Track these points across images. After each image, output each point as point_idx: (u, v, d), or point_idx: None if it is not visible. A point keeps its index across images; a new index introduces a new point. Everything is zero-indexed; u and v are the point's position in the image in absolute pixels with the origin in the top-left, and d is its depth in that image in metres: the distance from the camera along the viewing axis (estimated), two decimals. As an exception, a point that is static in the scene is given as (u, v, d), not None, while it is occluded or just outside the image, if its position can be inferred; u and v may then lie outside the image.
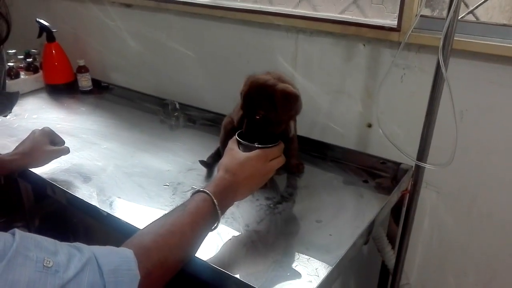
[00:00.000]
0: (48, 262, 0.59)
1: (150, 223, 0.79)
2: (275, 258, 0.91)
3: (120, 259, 0.67)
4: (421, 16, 1.08)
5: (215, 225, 0.86)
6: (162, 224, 0.78)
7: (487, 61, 1.07)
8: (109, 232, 1.84)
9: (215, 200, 0.84)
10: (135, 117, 1.66)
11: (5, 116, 1.48)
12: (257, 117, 1.02)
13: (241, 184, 0.91)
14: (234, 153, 0.96)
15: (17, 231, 0.61)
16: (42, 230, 1.71)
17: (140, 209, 1.08)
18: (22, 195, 1.59)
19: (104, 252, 0.67)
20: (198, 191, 0.86)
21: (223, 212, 0.87)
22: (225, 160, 0.95)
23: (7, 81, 1.65)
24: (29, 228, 1.77)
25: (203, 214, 0.82)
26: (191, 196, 0.86)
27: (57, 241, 0.65)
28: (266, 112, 1.01)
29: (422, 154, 1.07)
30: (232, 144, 1.00)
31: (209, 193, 0.84)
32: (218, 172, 0.93)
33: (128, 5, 1.74)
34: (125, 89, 1.87)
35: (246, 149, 0.98)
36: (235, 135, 1.03)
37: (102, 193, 1.13)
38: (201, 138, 1.49)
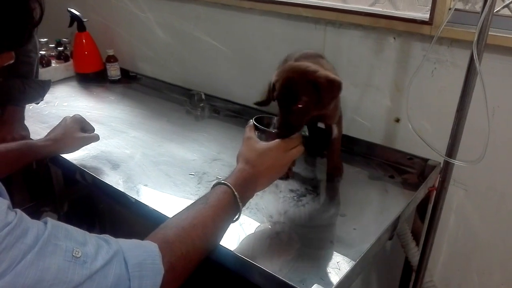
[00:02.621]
0: (77, 252, 0.60)
1: (173, 216, 0.80)
2: (298, 249, 0.91)
3: (145, 253, 0.68)
4: (455, 9, 1.06)
5: (237, 216, 0.86)
6: (184, 217, 0.79)
7: (522, 57, 1.04)
8: (134, 219, 1.88)
9: (236, 193, 0.84)
10: (162, 107, 1.69)
11: (37, 103, 1.52)
12: (300, 105, 0.95)
13: (261, 175, 0.90)
14: (253, 142, 0.94)
15: (49, 220, 0.63)
16: (70, 215, 1.76)
17: (166, 197, 1.09)
18: (52, 180, 1.63)
19: (130, 246, 0.68)
20: (219, 183, 0.86)
21: (244, 204, 0.86)
22: (244, 151, 0.93)
23: (39, 69, 1.70)
24: (58, 212, 1.82)
25: (224, 206, 0.83)
26: (212, 188, 0.86)
27: (86, 232, 0.66)
28: (309, 99, 0.95)
29: (451, 150, 1.05)
30: (249, 132, 0.97)
31: (230, 186, 0.84)
32: (237, 163, 0.92)
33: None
34: (153, 79, 1.90)
35: (263, 134, 0.96)
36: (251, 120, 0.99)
37: (129, 180, 1.15)
38: (226, 129, 1.50)
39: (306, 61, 1.08)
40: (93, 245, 0.64)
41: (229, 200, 0.83)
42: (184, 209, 0.81)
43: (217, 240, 0.83)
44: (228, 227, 0.85)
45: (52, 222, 0.62)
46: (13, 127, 1.38)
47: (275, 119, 1.03)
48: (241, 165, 0.91)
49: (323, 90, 0.94)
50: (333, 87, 0.96)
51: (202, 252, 0.78)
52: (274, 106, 1.03)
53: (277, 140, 0.93)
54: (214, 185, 0.86)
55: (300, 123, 0.96)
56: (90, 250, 0.62)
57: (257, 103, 1.21)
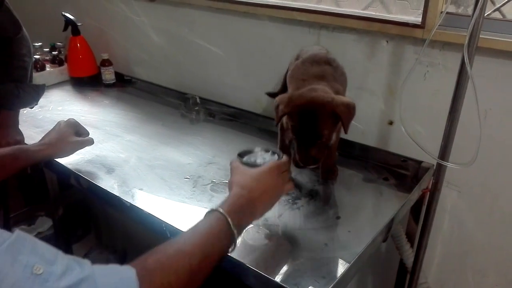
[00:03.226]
0: (38, 269, 0.56)
1: (163, 243, 0.74)
2: (293, 252, 0.92)
3: (120, 279, 0.63)
4: (446, 13, 1.07)
5: (232, 247, 0.80)
6: (171, 244, 0.73)
7: (513, 60, 1.05)
8: (129, 223, 1.88)
9: (229, 219, 0.78)
10: (156, 110, 1.69)
11: (31, 107, 1.52)
12: (323, 139, 0.95)
13: (258, 200, 0.85)
14: (243, 169, 0.90)
15: (17, 232, 0.59)
16: (66, 219, 1.75)
17: (161, 201, 1.10)
18: (47, 184, 1.63)
19: (105, 272, 0.64)
20: (212, 210, 0.80)
21: (240, 231, 0.80)
22: (236, 178, 0.89)
23: (33, 73, 1.70)
24: (53, 217, 1.81)
25: (216, 234, 0.77)
26: (204, 215, 0.81)
27: (60, 252, 0.61)
28: (330, 131, 0.96)
29: (444, 152, 1.06)
30: (235, 163, 0.94)
31: (223, 212, 0.79)
32: (231, 190, 0.87)
33: (152, 0, 1.76)
34: (148, 83, 1.90)
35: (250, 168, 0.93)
36: (236, 156, 0.97)
37: (124, 184, 1.15)
38: (221, 132, 1.50)
39: (313, 68, 1.08)
40: (62, 265, 0.59)
41: (221, 228, 0.78)
42: (176, 237, 0.76)
43: (206, 271, 0.75)
44: (221, 257, 0.78)
45: (18, 234, 0.58)
46: (8, 132, 1.37)
47: (259, 152, 1.01)
48: (236, 190, 0.85)
49: (344, 117, 0.94)
50: (350, 111, 0.96)
51: (188, 284, 0.71)
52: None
53: (268, 163, 0.91)
54: (207, 212, 0.81)
55: (322, 154, 0.97)
56: (57, 269, 0.57)
57: (269, 94, 1.21)
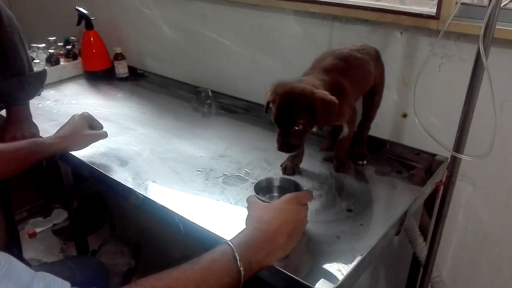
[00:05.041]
0: None
1: (154, 275, 0.67)
2: (305, 245, 0.91)
3: None
4: (461, 3, 1.05)
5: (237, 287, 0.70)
6: (162, 277, 0.66)
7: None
8: (142, 215, 1.90)
9: (236, 254, 0.70)
10: (169, 104, 1.70)
11: (39, 94, 1.52)
12: (296, 128, 0.97)
13: (278, 232, 0.78)
14: (260, 203, 0.87)
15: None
16: (81, 211, 1.78)
17: (174, 194, 1.10)
18: (62, 177, 1.65)
19: None
20: (222, 242, 0.74)
21: (248, 269, 0.71)
22: (253, 212, 0.84)
23: (48, 67, 1.72)
24: (68, 209, 1.84)
25: (218, 270, 0.69)
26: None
27: (39, 275, 0.58)
28: (306, 121, 0.97)
29: (459, 145, 1.05)
30: (252, 198, 0.91)
31: (231, 244, 0.71)
32: (247, 225, 0.81)
33: (164, -7, 1.77)
34: (160, 76, 1.91)
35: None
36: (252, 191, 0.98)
37: (138, 177, 1.16)
38: (233, 125, 1.51)
39: (326, 61, 1.09)
40: None
41: (225, 263, 0.70)
42: (171, 268, 0.69)
43: None
44: None
45: None
46: (22, 126, 1.39)
47: (276, 180, 1.04)
48: (251, 224, 0.80)
49: (318, 111, 0.96)
50: (326, 108, 0.96)
51: None
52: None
53: (286, 194, 0.89)
54: (220, 244, 0.75)
55: (299, 142, 1.00)
56: None
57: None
